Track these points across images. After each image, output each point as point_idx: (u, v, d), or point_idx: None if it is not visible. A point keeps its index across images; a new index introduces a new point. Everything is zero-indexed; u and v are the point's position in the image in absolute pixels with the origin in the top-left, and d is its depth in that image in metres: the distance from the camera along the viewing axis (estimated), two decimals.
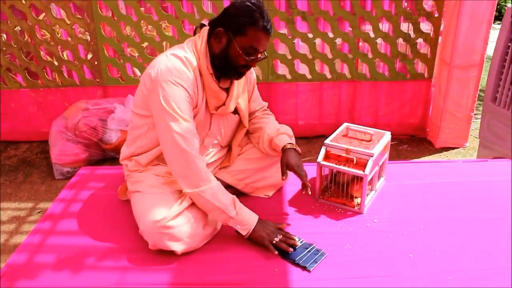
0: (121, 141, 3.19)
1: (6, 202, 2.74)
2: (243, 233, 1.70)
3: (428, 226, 1.87)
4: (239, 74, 1.79)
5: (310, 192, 1.87)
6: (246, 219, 1.71)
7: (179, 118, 1.66)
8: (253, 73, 2.04)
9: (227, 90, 1.86)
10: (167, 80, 1.66)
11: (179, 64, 1.70)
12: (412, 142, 3.46)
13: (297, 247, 1.73)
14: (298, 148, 1.97)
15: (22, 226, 2.50)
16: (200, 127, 1.84)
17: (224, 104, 1.84)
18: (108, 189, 2.19)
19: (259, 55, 1.74)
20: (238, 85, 1.90)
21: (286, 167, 1.89)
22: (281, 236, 1.71)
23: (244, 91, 1.97)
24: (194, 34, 1.85)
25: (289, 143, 1.95)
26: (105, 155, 3.20)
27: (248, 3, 1.67)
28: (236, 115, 1.97)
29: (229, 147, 2.08)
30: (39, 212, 2.61)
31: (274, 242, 1.68)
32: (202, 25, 1.83)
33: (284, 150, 1.93)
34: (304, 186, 1.88)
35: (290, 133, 2.04)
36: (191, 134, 1.68)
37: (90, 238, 1.84)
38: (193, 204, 1.74)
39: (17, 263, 1.71)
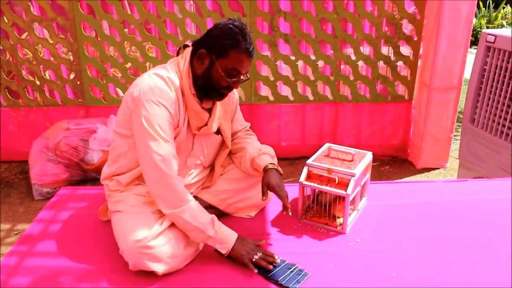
0: (103, 162, 3.15)
1: None
2: (223, 251, 1.69)
3: (411, 245, 1.87)
4: (221, 95, 1.80)
5: (290, 213, 1.86)
6: (225, 238, 1.70)
7: (159, 139, 1.65)
8: (235, 93, 2.05)
9: (210, 111, 1.87)
10: (149, 100, 1.65)
11: (162, 84, 1.70)
12: (394, 163, 3.50)
13: (279, 267, 1.72)
14: (279, 169, 1.97)
15: None
16: (183, 147, 1.84)
17: (206, 124, 1.85)
18: (88, 209, 2.15)
19: (241, 77, 1.76)
20: (221, 106, 1.91)
21: (266, 187, 1.89)
22: (260, 253, 1.70)
23: (226, 112, 1.97)
24: (177, 54, 1.86)
25: (271, 163, 1.95)
26: (86, 176, 3.16)
27: (231, 26, 1.69)
28: (219, 135, 1.97)
29: (211, 167, 2.08)
30: (16, 234, 2.55)
31: (253, 260, 1.67)
32: (186, 46, 1.84)
33: (266, 170, 1.93)
34: (285, 207, 1.88)
35: (272, 153, 2.04)
36: (170, 155, 1.67)
37: (69, 259, 1.81)
38: (174, 224, 1.73)
39: None
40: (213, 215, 1.73)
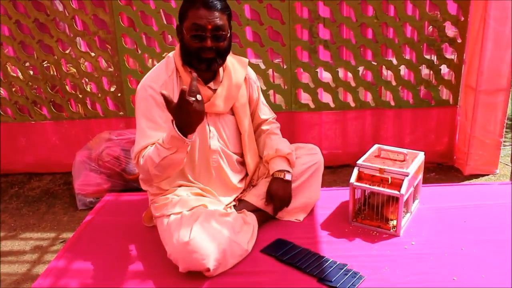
0: None
1: (29, 232, 2.71)
2: (182, 133, 1.56)
3: (470, 248, 1.78)
4: (203, 61, 1.75)
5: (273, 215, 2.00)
6: (167, 136, 1.61)
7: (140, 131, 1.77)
8: (255, 81, 2.09)
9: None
10: (140, 87, 1.82)
11: (155, 69, 1.86)
12: (440, 170, 3.38)
13: (331, 268, 1.66)
14: (287, 176, 1.95)
15: (45, 255, 2.45)
16: (198, 128, 1.76)
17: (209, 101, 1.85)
18: (132, 215, 2.16)
19: (207, 33, 1.70)
20: (231, 86, 1.90)
21: (267, 194, 1.95)
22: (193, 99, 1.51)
23: (240, 94, 1.96)
24: None
25: (278, 171, 1.95)
26: (128, 186, 3.17)
27: None
28: (232, 115, 1.98)
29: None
30: (61, 242, 2.57)
31: (192, 102, 1.50)
32: None
33: (273, 178, 1.96)
34: (273, 213, 2.00)
35: (286, 151, 2.00)
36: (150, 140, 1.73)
37: (116, 264, 1.80)
38: (220, 223, 1.70)
39: (42, 287, 1.66)
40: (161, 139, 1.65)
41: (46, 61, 3.33)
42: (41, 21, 3.18)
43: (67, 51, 3.30)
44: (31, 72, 3.37)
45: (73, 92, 3.39)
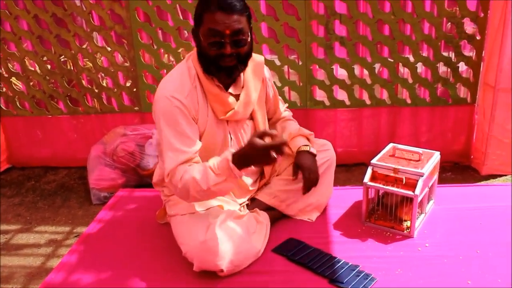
0: None
1: (44, 226, 2.74)
2: (237, 174, 1.55)
3: (486, 251, 1.75)
4: (222, 69, 1.65)
5: (303, 192, 1.91)
6: (224, 165, 1.56)
7: (171, 149, 1.64)
8: (267, 75, 1.98)
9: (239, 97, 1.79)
10: (162, 96, 1.66)
11: (175, 77, 1.70)
12: (456, 170, 3.32)
13: (343, 269, 1.65)
14: (313, 150, 1.91)
15: (59, 249, 2.47)
16: (219, 138, 1.76)
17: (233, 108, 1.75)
18: (145, 210, 2.17)
19: (226, 39, 1.58)
20: (252, 90, 1.81)
21: (298, 168, 1.87)
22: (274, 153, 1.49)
23: (261, 98, 1.88)
24: None
25: (304, 145, 1.89)
26: (142, 181, 3.19)
27: None
28: (251, 121, 1.89)
29: None
30: (76, 236, 2.59)
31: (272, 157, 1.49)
32: None
33: (298, 151, 1.89)
34: (304, 188, 1.89)
35: (308, 132, 2.00)
36: (177, 163, 1.63)
37: (129, 260, 1.81)
38: (236, 222, 1.69)
39: (55, 282, 1.68)
40: (208, 165, 1.60)
41: (63, 56, 3.36)
42: (59, 16, 3.20)
43: (84, 46, 3.32)
44: (49, 66, 3.40)
45: (89, 86, 3.42)
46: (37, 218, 2.85)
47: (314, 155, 1.91)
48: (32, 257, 2.41)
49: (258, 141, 1.48)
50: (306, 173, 1.86)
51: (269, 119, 2.04)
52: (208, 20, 1.57)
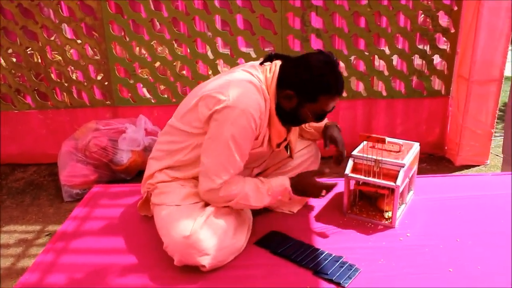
0: (132, 162, 3.10)
1: (13, 225, 2.64)
2: (286, 199, 1.74)
3: (466, 240, 1.76)
4: (301, 124, 1.84)
5: (338, 165, 1.98)
6: (280, 192, 1.71)
7: (230, 164, 1.63)
8: None
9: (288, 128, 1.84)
10: (240, 109, 1.58)
11: (255, 93, 1.64)
12: (431, 161, 3.37)
13: (327, 261, 1.63)
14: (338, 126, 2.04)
15: (30, 249, 2.38)
16: (259, 158, 1.86)
17: (285, 139, 1.84)
18: (122, 206, 2.10)
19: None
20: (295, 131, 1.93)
21: (329, 140, 1.95)
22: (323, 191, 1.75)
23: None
24: (261, 63, 1.80)
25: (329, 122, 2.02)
26: (115, 177, 3.11)
27: (323, 71, 1.61)
28: (287, 148, 1.95)
29: None
30: (47, 235, 2.50)
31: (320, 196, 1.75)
32: (270, 57, 1.81)
33: (327, 125, 2.00)
34: (337, 159, 1.97)
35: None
36: (233, 175, 1.65)
37: (108, 256, 1.74)
38: (221, 217, 1.64)
39: (30, 282, 1.60)
40: (256, 180, 1.72)
41: (30, 48, 3.24)
42: (25, 6, 3.08)
43: (52, 38, 3.21)
44: (14, 60, 3.27)
45: (59, 80, 3.30)
46: (5, 217, 2.74)
47: (340, 129, 2.03)
48: (1, 258, 2.30)
49: (317, 180, 1.74)
50: (340, 146, 1.95)
51: None
52: (324, 102, 1.66)
